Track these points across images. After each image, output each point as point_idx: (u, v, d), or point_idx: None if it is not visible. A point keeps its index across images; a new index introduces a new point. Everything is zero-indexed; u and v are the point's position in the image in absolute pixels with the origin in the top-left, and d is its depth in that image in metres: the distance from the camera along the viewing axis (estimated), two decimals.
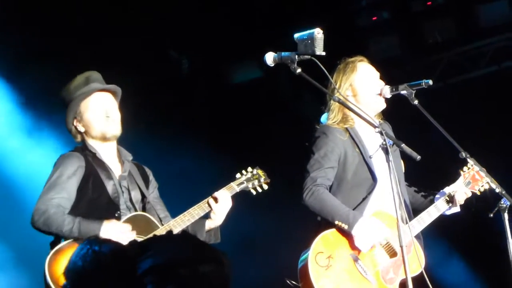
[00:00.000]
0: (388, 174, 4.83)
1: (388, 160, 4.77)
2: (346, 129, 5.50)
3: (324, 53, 4.63)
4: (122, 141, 5.47)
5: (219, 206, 5.27)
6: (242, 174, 5.52)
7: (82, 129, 5.31)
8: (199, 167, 8.34)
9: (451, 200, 5.55)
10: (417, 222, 5.47)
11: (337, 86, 5.43)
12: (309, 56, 4.67)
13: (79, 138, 5.37)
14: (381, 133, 4.80)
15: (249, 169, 5.55)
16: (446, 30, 9.19)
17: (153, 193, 5.50)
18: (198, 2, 8.55)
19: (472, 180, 5.60)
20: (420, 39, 9.30)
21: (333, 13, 8.90)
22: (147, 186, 5.45)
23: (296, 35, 4.70)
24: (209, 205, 5.27)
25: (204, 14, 8.50)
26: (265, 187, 5.56)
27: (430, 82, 5.30)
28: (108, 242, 2.83)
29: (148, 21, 8.27)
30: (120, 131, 5.36)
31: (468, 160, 5.48)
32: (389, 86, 5.45)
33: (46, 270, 4.84)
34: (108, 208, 5.18)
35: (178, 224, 5.19)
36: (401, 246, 4.71)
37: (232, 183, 5.44)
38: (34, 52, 7.73)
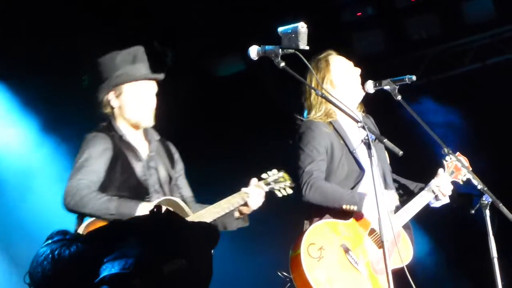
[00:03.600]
0: (374, 165, 4.83)
1: (370, 156, 4.78)
2: (330, 123, 5.53)
3: (308, 47, 4.62)
4: None
5: (254, 205, 5.27)
6: (268, 175, 5.42)
7: (115, 105, 5.19)
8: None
9: (437, 191, 5.57)
10: (404, 211, 5.50)
11: (314, 84, 5.43)
12: (293, 50, 4.65)
13: (108, 109, 5.21)
14: (363, 127, 4.80)
15: (274, 170, 5.45)
16: (430, 26, 9.20)
17: (180, 176, 5.40)
18: None
19: (455, 170, 5.64)
20: (405, 35, 9.30)
21: (318, 7, 8.89)
22: (172, 166, 5.36)
23: (280, 29, 4.68)
24: (246, 203, 5.24)
25: (189, 6, 8.47)
26: (289, 191, 5.46)
27: (414, 77, 5.32)
28: (72, 243, 2.77)
29: (132, 12, 8.22)
30: (153, 122, 5.26)
31: (451, 156, 5.55)
32: (372, 81, 5.46)
33: None
34: (137, 191, 5.08)
35: (210, 215, 5.10)
36: (382, 241, 4.71)
37: (260, 182, 5.34)
38: (27, 53, 7.65)
